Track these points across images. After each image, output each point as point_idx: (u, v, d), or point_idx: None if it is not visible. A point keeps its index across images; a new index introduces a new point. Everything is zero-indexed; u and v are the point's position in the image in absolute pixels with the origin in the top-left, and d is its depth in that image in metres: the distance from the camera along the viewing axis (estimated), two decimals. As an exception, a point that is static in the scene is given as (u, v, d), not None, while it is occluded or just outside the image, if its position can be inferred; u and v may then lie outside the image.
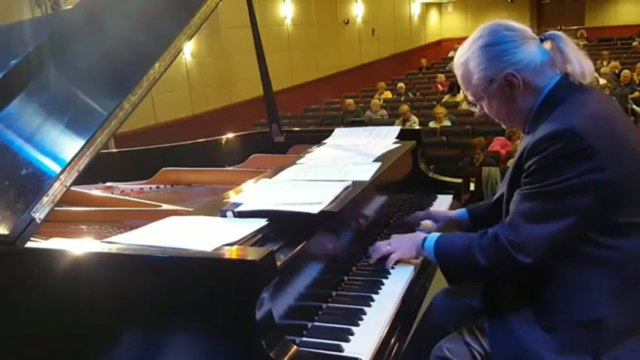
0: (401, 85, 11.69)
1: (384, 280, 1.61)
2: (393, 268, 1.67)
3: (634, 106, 8.91)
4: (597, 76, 10.00)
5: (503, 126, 1.60)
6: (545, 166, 1.31)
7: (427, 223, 1.98)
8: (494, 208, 1.64)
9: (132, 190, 2.50)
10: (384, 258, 1.68)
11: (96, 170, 1.75)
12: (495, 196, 1.65)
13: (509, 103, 1.46)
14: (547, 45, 1.45)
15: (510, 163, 6.20)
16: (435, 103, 9.61)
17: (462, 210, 1.93)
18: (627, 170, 1.32)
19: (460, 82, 1.54)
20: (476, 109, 1.59)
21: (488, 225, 1.60)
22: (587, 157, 1.27)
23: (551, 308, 1.38)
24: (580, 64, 1.40)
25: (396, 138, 2.41)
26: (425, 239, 1.59)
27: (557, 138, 1.30)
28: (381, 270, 1.66)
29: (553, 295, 1.38)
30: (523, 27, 1.47)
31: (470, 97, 1.54)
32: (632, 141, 1.38)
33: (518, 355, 1.40)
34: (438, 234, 1.58)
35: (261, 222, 1.41)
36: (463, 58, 1.49)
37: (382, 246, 1.70)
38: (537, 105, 1.43)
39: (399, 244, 1.68)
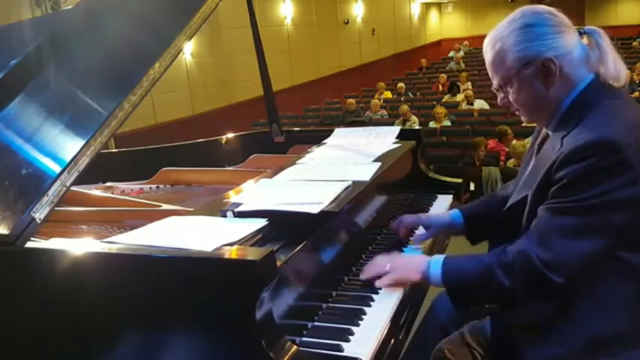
0: (401, 85, 11.70)
1: (384, 280, 1.61)
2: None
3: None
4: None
5: (523, 119, 1.48)
6: (580, 179, 1.23)
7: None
8: (506, 216, 1.51)
9: (132, 190, 2.50)
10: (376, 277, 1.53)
11: (96, 170, 1.75)
12: (510, 203, 1.51)
13: (540, 91, 1.36)
14: (584, 40, 1.37)
15: (510, 163, 6.22)
16: (435, 103, 9.61)
17: (456, 212, 1.80)
18: None
19: (490, 64, 1.42)
20: (500, 96, 1.45)
21: (485, 228, 1.56)
22: (625, 171, 1.20)
23: (557, 318, 1.33)
24: (615, 65, 1.34)
25: (396, 138, 2.41)
26: (430, 263, 1.44)
27: (594, 149, 1.21)
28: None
29: (561, 306, 1.32)
30: (564, 16, 1.37)
31: (497, 83, 1.42)
32: None
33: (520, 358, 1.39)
34: (442, 256, 1.45)
35: (261, 222, 1.41)
36: (499, 36, 1.37)
37: (380, 264, 1.55)
38: (567, 104, 1.35)
39: (399, 266, 1.52)
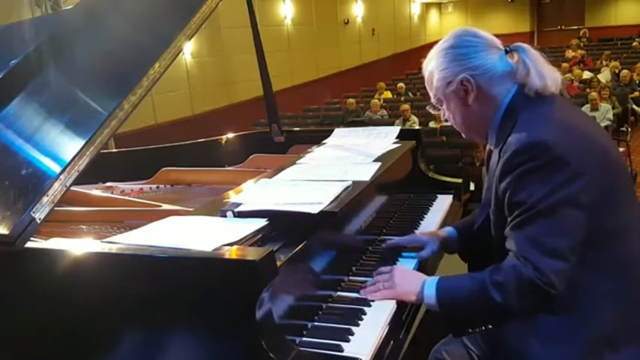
0: (401, 85, 11.70)
1: (384, 280, 1.60)
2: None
3: (634, 106, 8.92)
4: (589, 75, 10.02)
5: (463, 136, 1.56)
6: (522, 184, 1.28)
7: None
8: (479, 234, 1.56)
9: (132, 190, 2.50)
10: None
11: (96, 170, 1.75)
12: (477, 225, 1.58)
13: (464, 108, 1.45)
14: (513, 57, 1.43)
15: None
16: (435, 103, 9.59)
17: (451, 229, 1.80)
18: (603, 171, 1.30)
19: (426, 85, 1.53)
20: (440, 112, 1.54)
21: (479, 245, 1.57)
22: (561, 167, 1.24)
23: (552, 314, 1.34)
24: (541, 76, 1.37)
25: (396, 138, 2.41)
26: (424, 283, 1.43)
27: (525, 153, 1.27)
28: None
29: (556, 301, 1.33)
30: (491, 37, 1.46)
31: (433, 101, 1.52)
32: (601, 144, 1.35)
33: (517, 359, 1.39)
34: (435, 278, 1.44)
35: (261, 222, 1.41)
36: (429, 58, 1.50)
37: (383, 278, 1.52)
38: (499, 119, 1.41)
39: (402, 281, 1.49)
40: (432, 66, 1.48)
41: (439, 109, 1.53)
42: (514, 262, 1.30)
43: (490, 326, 1.36)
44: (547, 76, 1.38)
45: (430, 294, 1.40)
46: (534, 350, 1.35)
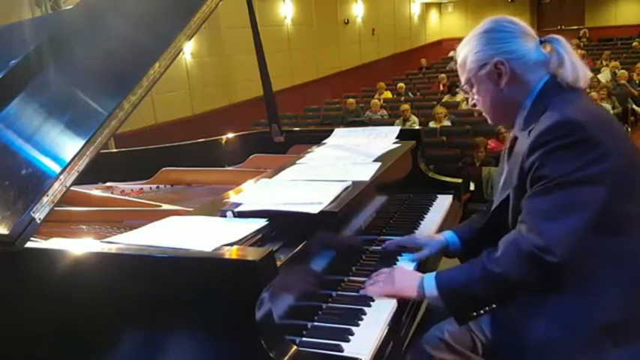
0: (401, 85, 11.69)
1: (384, 280, 1.60)
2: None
3: (634, 106, 8.91)
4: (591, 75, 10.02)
5: (489, 121, 1.59)
6: (551, 158, 1.30)
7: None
8: (492, 221, 1.57)
9: (132, 190, 2.50)
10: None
11: (96, 170, 1.75)
12: (494, 205, 1.57)
13: (495, 92, 1.47)
14: (546, 48, 1.47)
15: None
16: (435, 103, 9.60)
17: (450, 233, 1.78)
18: (626, 158, 1.35)
19: (458, 68, 1.56)
20: (469, 97, 1.58)
21: (480, 248, 1.57)
22: (593, 147, 1.28)
23: (558, 300, 1.35)
24: (574, 68, 1.42)
25: (396, 138, 2.41)
26: (423, 277, 1.46)
27: (559, 129, 1.30)
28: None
29: (561, 286, 1.35)
30: (526, 25, 1.49)
31: (462, 84, 1.56)
32: (622, 133, 1.43)
33: (521, 346, 1.39)
34: (433, 272, 1.47)
35: (261, 222, 1.41)
36: (464, 42, 1.52)
37: (382, 277, 1.54)
38: (530, 104, 1.44)
39: (401, 278, 1.52)
40: (467, 49, 1.50)
41: (468, 93, 1.56)
42: (513, 237, 1.34)
43: (494, 305, 1.38)
44: (579, 69, 1.43)
45: (430, 285, 1.44)
46: (538, 335, 1.36)
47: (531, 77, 1.44)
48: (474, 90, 1.53)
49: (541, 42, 1.47)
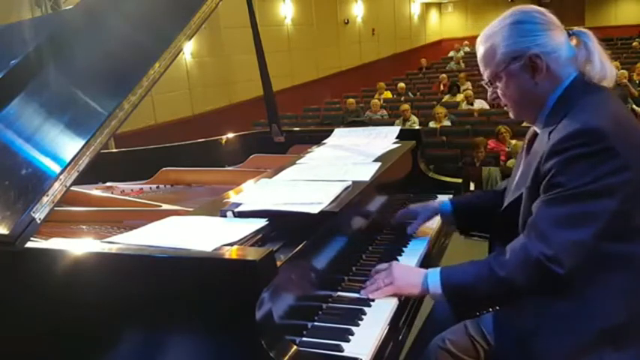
0: (401, 85, 11.70)
1: (384, 280, 1.60)
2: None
3: (634, 106, 8.91)
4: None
5: (511, 115, 1.52)
6: (569, 167, 1.26)
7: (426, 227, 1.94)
8: (504, 217, 1.53)
9: (132, 190, 2.50)
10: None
11: (96, 170, 1.75)
12: (506, 203, 1.53)
13: (527, 86, 1.40)
14: (573, 41, 1.42)
15: (511, 163, 6.24)
16: (435, 103, 9.62)
17: (446, 201, 1.87)
18: None
19: (481, 59, 1.48)
20: (489, 90, 1.50)
21: (474, 218, 1.58)
22: (611, 158, 1.24)
23: (560, 305, 1.34)
24: (602, 65, 1.38)
25: (396, 138, 2.41)
26: (427, 274, 1.45)
27: (580, 137, 1.26)
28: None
29: (563, 291, 1.33)
30: (554, 17, 1.44)
31: (487, 77, 1.47)
32: None
33: (523, 350, 1.38)
34: (437, 268, 1.46)
35: (261, 222, 1.41)
36: (490, 32, 1.44)
37: (379, 279, 1.52)
38: (554, 100, 1.40)
39: (402, 275, 1.50)
40: (495, 40, 1.42)
41: (490, 86, 1.48)
42: (522, 242, 1.31)
43: (497, 307, 1.37)
44: (607, 67, 1.39)
45: (434, 281, 1.42)
46: (539, 339, 1.35)
47: (562, 73, 1.39)
48: (501, 84, 1.44)
49: (569, 35, 1.42)
